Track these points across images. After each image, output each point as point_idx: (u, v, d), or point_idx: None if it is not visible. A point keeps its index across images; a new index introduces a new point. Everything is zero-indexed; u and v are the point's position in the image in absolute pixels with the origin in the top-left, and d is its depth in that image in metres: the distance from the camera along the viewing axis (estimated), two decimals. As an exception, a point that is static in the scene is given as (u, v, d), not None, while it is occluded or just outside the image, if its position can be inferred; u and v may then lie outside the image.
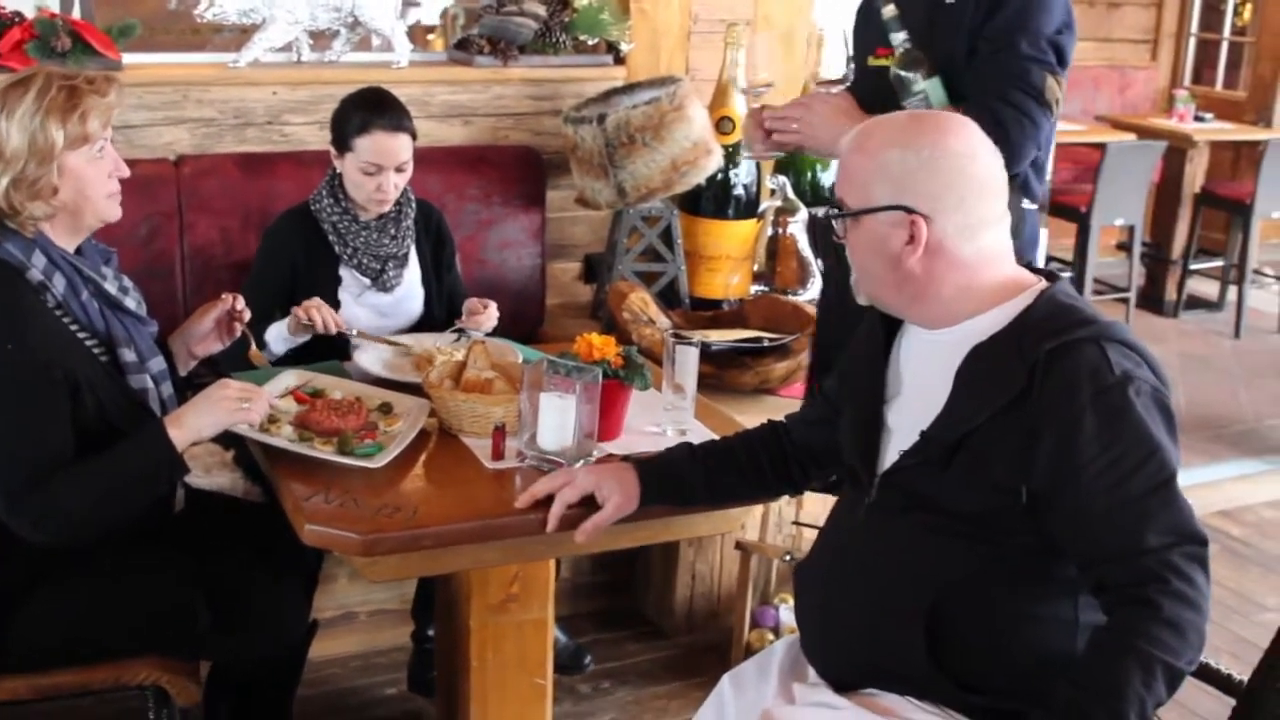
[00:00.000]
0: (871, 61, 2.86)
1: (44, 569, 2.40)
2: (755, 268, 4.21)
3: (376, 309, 3.25)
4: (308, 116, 3.77)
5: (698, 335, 3.23)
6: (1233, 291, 7.39)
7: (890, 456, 2.05)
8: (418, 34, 5.31)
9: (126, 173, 2.49)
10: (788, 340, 3.66)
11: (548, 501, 2.28)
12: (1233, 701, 2.23)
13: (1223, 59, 8.76)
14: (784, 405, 3.40)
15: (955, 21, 2.71)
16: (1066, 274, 2.12)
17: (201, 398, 2.43)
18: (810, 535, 3.54)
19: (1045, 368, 1.87)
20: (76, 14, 3.63)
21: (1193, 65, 8.75)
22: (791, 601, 3.33)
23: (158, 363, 2.56)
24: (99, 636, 2.44)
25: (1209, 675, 2.27)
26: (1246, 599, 4.17)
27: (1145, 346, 1.94)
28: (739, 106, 3.91)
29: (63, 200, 2.39)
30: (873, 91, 2.81)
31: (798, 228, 4.23)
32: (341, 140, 3.14)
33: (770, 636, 3.53)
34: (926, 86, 2.71)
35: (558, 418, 2.41)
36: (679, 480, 2.35)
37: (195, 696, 2.51)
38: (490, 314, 3.18)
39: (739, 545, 3.49)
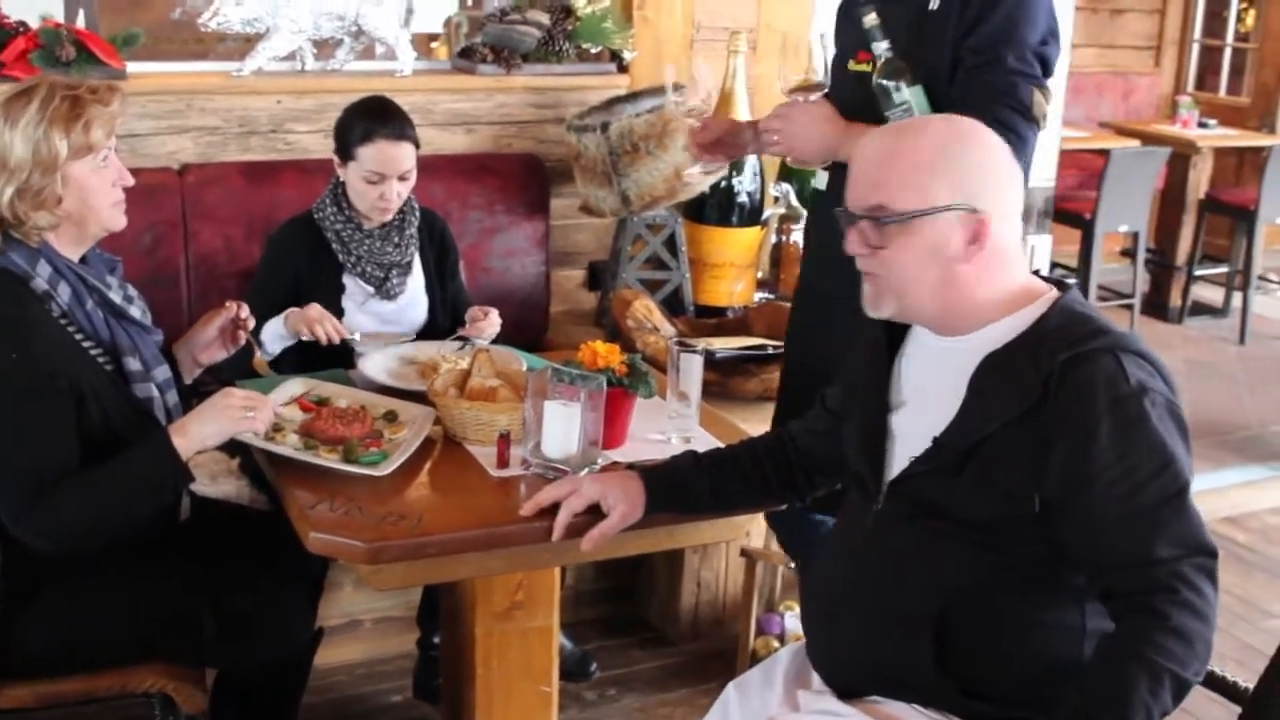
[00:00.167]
0: (852, 66, 2.81)
1: (50, 576, 2.40)
2: (759, 275, 4.22)
3: (380, 317, 3.26)
4: (312, 125, 3.78)
5: (702, 343, 3.22)
6: (1237, 297, 7.38)
7: (898, 464, 2.05)
8: (421, 43, 5.32)
9: (131, 181, 2.49)
10: (792, 347, 3.65)
11: (553, 509, 2.28)
12: (1238, 709, 2.23)
13: (1226, 65, 8.76)
14: (788, 412, 3.40)
15: (939, 30, 2.68)
16: (1071, 281, 2.12)
17: (206, 406, 2.43)
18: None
19: (1060, 378, 1.87)
20: (81, 23, 3.64)
21: (1196, 71, 8.75)
22: (797, 609, 3.33)
23: (162, 371, 2.57)
24: (105, 643, 2.44)
25: (1215, 682, 2.26)
26: (1252, 605, 4.17)
27: (1158, 357, 1.94)
28: (744, 113, 3.91)
29: (67, 210, 2.40)
30: (852, 96, 2.77)
31: (801, 235, 4.22)
32: (345, 149, 3.14)
33: (775, 644, 3.53)
34: (910, 97, 2.67)
35: (562, 425, 2.41)
36: (684, 489, 2.34)
37: (201, 704, 2.51)
38: (492, 321, 3.18)
39: (744, 552, 3.49)
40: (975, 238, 1.96)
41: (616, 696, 3.54)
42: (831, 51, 2.90)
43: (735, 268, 4.06)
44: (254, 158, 3.74)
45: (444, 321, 3.34)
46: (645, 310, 3.69)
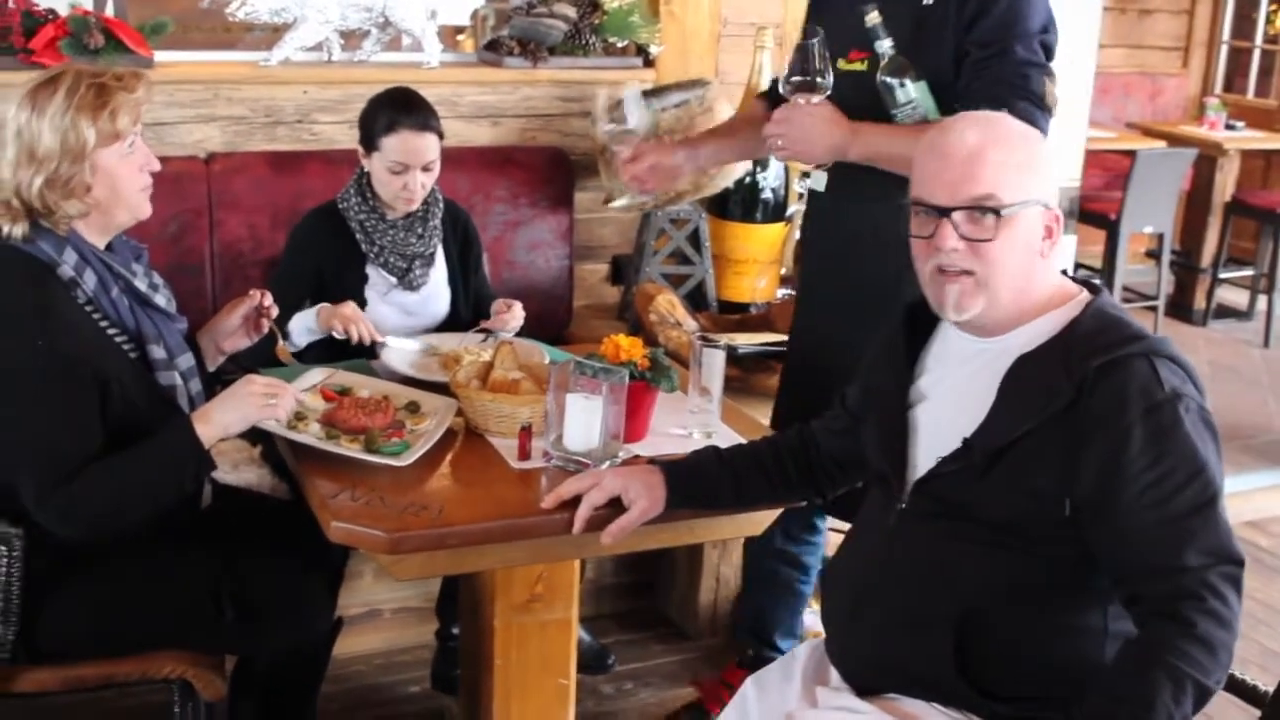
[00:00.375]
0: (844, 66, 2.78)
1: (72, 562, 2.42)
2: (782, 271, 4.21)
3: (403, 308, 3.26)
4: (338, 116, 3.79)
5: (724, 338, 3.22)
6: (1262, 300, 7.36)
7: (922, 463, 2.05)
8: (448, 35, 5.33)
9: (157, 166, 2.50)
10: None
11: (574, 502, 2.28)
12: (1258, 712, 2.22)
13: (1254, 67, 8.70)
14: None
15: (939, 24, 2.67)
16: (1096, 280, 2.13)
17: (228, 394, 2.44)
18: (835, 539, 3.54)
19: (1094, 382, 1.87)
20: (110, 11, 3.65)
21: (1224, 73, 8.70)
22: (816, 605, 3.33)
23: (186, 359, 2.57)
24: (126, 629, 2.45)
25: (1235, 686, 2.26)
26: (1274, 610, 4.15)
27: (1190, 362, 1.93)
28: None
29: (96, 198, 2.40)
30: (845, 95, 2.72)
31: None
32: (369, 139, 3.15)
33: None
34: (916, 93, 2.67)
35: (584, 419, 2.41)
36: (706, 484, 2.34)
37: (220, 691, 2.52)
38: (515, 314, 3.18)
39: (763, 548, 3.48)
40: (1049, 233, 1.99)
41: (634, 690, 3.54)
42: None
43: (758, 264, 4.06)
44: (280, 147, 3.75)
45: (466, 313, 3.34)
46: (668, 305, 3.69)
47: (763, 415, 2.99)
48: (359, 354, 3.00)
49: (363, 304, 3.14)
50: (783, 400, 3.15)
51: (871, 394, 2.24)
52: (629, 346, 2.60)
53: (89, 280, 2.40)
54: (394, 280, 3.23)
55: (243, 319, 2.74)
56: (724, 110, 3.70)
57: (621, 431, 2.48)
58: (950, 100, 2.65)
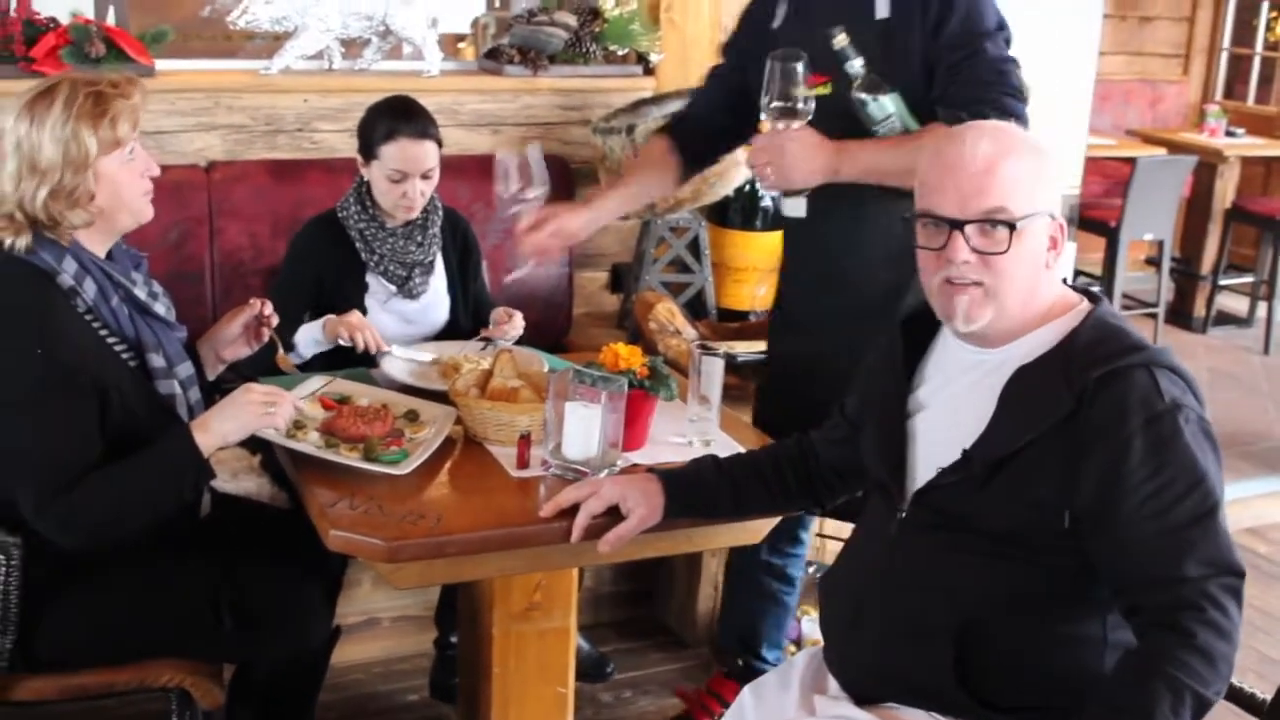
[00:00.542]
0: (804, 91, 2.69)
1: (71, 571, 2.42)
2: (782, 279, 4.21)
3: (402, 316, 3.27)
4: (338, 124, 3.79)
5: (724, 346, 3.22)
6: (1262, 307, 7.36)
7: (921, 472, 2.05)
8: (448, 43, 5.33)
9: (157, 171, 2.50)
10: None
11: (572, 511, 2.28)
12: (1257, 721, 2.23)
13: (1255, 74, 8.71)
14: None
15: (904, 36, 2.68)
16: (1095, 288, 2.13)
17: (227, 402, 2.44)
18: (834, 547, 3.54)
19: (1094, 393, 1.87)
20: (111, 20, 3.66)
21: (1224, 80, 8.70)
22: (814, 613, 3.32)
23: (186, 368, 2.57)
24: (125, 638, 2.46)
25: (1233, 694, 2.25)
26: (1272, 618, 4.15)
27: (1190, 372, 1.93)
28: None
29: (100, 206, 2.40)
30: (813, 120, 2.67)
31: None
32: (368, 147, 3.15)
33: (792, 648, 3.52)
34: (893, 107, 2.67)
35: (583, 427, 2.42)
36: (704, 493, 2.34)
37: (218, 699, 2.52)
38: (516, 323, 3.18)
39: (763, 556, 3.48)
40: (1054, 243, 1.99)
41: (633, 699, 3.54)
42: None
43: (758, 272, 4.06)
44: (280, 156, 3.76)
45: (466, 321, 3.35)
46: (667, 313, 3.69)
47: (762, 423, 2.99)
48: (358, 362, 3.01)
49: (363, 312, 3.14)
50: (760, 411, 3.16)
51: (870, 403, 2.24)
52: (628, 355, 2.60)
53: (88, 289, 2.40)
54: (394, 288, 3.23)
55: (243, 328, 2.74)
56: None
57: (620, 440, 2.48)
58: (924, 108, 2.67)
